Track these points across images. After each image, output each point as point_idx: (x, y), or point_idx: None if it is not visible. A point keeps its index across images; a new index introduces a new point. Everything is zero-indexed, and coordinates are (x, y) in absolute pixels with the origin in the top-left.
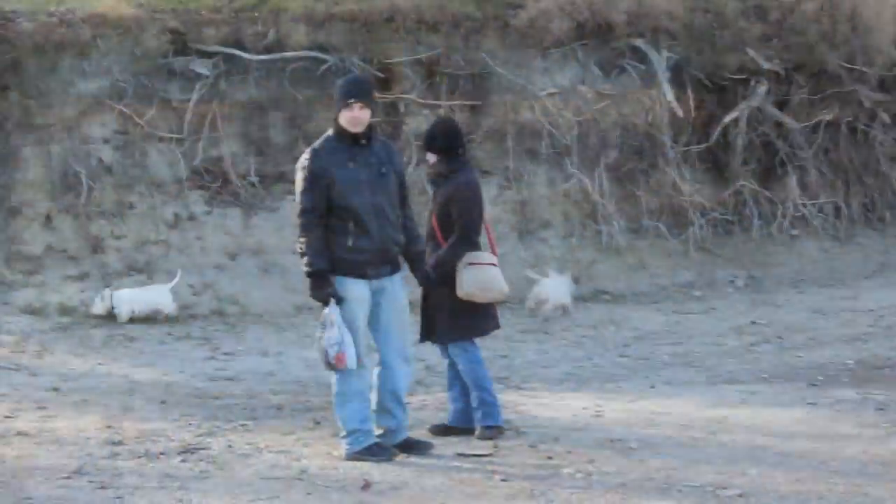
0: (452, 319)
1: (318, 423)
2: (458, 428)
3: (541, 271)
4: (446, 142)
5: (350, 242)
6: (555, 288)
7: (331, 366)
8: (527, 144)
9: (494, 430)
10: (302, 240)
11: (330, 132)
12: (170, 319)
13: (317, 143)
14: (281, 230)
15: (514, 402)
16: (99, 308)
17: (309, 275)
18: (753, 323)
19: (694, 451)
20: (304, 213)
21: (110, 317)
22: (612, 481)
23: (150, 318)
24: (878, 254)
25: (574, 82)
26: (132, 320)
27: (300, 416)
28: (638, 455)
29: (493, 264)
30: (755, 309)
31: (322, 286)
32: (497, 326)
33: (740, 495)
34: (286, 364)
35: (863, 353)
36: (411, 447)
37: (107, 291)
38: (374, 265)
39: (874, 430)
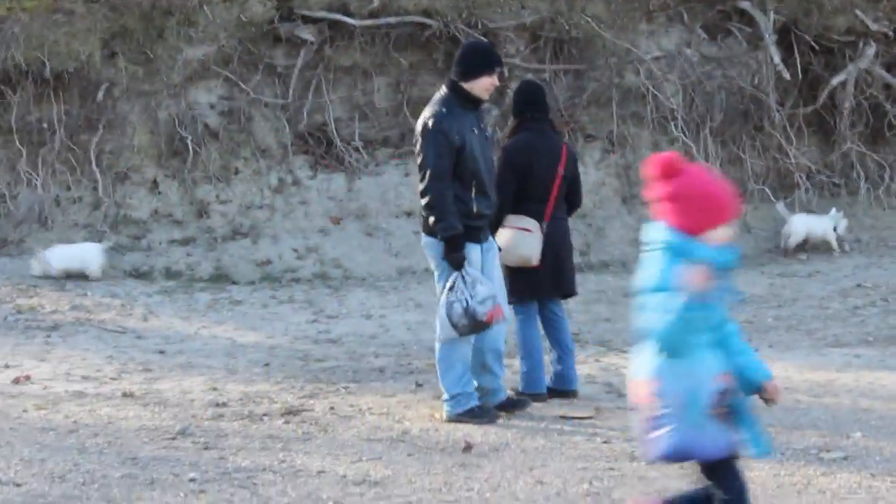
0: (507, 281)
1: (419, 385)
2: (556, 390)
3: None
4: (514, 105)
5: (474, 208)
6: (809, 224)
7: (478, 325)
8: (631, 108)
9: (535, 398)
10: (434, 203)
11: (445, 95)
12: (95, 279)
13: (441, 107)
14: (384, 194)
15: (616, 365)
16: (36, 270)
17: (449, 239)
18: (859, 286)
19: (798, 414)
20: (436, 176)
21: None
22: None
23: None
24: None
25: (679, 45)
26: (68, 276)
27: (402, 379)
28: None
29: (526, 229)
30: (861, 272)
31: (460, 248)
32: (560, 294)
33: (844, 458)
34: (388, 327)
35: None
36: (511, 406)
37: (41, 253)
38: (486, 229)
39: None
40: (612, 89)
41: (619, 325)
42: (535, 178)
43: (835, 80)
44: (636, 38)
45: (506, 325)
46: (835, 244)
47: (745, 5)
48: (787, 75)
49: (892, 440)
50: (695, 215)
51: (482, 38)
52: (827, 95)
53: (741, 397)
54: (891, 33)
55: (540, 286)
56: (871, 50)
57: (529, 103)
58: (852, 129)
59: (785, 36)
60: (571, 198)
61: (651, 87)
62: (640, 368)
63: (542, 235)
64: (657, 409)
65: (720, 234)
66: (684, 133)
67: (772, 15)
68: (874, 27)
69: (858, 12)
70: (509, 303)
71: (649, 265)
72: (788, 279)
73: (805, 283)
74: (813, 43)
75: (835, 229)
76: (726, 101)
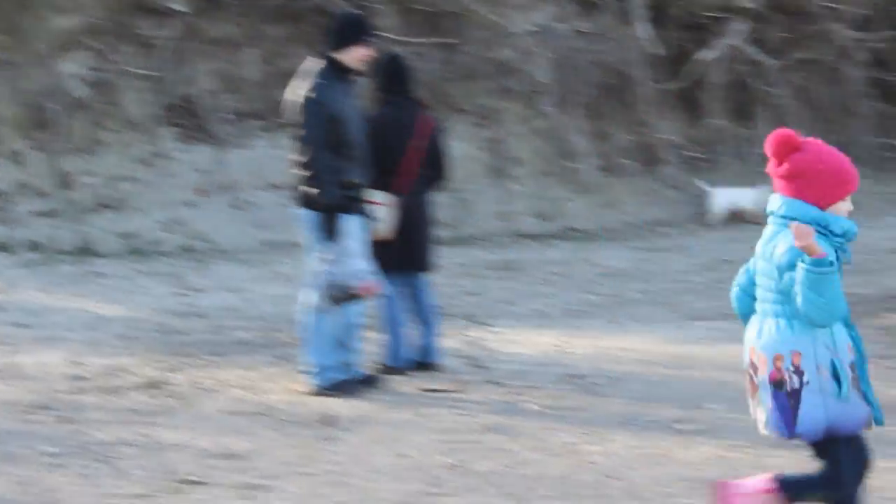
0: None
1: (283, 359)
2: (420, 363)
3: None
4: (376, 79)
5: (352, 178)
6: (732, 196)
7: (344, 298)
8: (501, 83)
9: (397, 371)
10: (317, 173)
11: (323, 67)
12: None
13: (320, 79)
14: (252, 167)
15: (481, 339)
16: None
17: (328, 208)
18: (724, 261)
19: (657, 386)
20: (318, 147)
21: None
22: (576, 417)
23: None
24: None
25: (551, 20)
26: None
27: (266, 352)
28: (602, 391)
29: (379, 203)
30: (724, 246)
31: (337, 220)
32: (415, 268)
33: (702, 430)
34: (253, 300)
35: None
36: (371, 381)
37: None
38: (362, 201)
39: None
40: (483, 63)
41: (485, 299)
42: (386, 152)
43: (703, 56)
44: (508, 13)
45: (374, 300)
46: (761, 216)
47: None
48: (656, 51)
49: (748, 412)
50: (821, 189)
51: (351, 9)
52: (695, 71)
53: (865, 366)
54: (761, 10)
55: (394, 260)
56: (740, 26)
57: (389, 77)
58: (719, 104)
59: (656, 11)
60: (434, 172)
61: (521, 62)
62: (771, 341)
63: (397, 209)
64: (798, 384)
65: (844, 207)
66: (553, 108)
67: None
68: (744, 3)
69: None
70: (375, 275)
71: (785, 238)
72: (654, 253)
73: (670, 257)
74: (683, 19)
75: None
76: (596, 76)
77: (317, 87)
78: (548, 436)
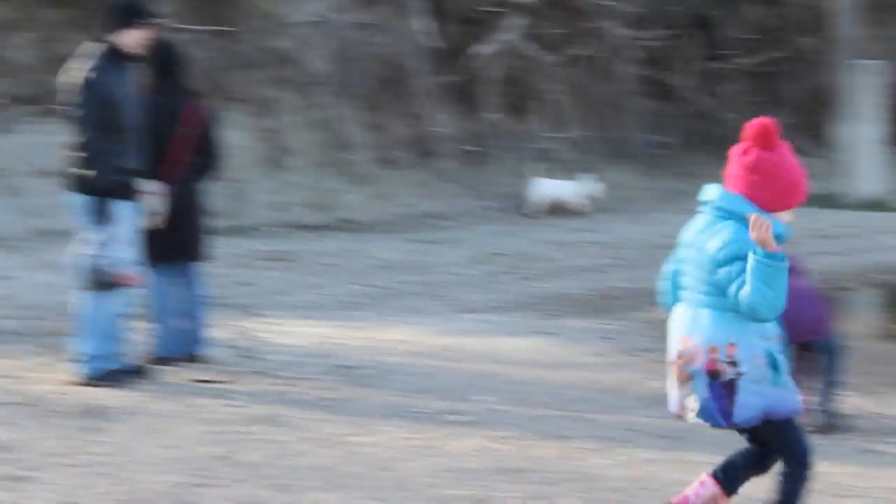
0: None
1: (51, 348)
2: (189, 354)
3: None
4: (149, 65)
5: (126, 163)
6: (555, 188)
7: (105, 285)
8: (278, 73)
9: (167, 361)
10: (93, 156)
11: (102, 50)
12: None
13: (99, 62)
14: (21, 153)
15: (253, 329)
16: None
17: (101, 191)
18: (496, 254)
19: (428, 378)
20: (95, 131)
21: None
22: (346, 408)
23: None
24: (620, 188)
25: (328, 11)
26: None
27: (32, 341)
28: (373, 382)
29: (148, 191)
30: (497, 239)
31: (109, 204)
32: (186, 258)
33: (471, 421)
34: (21, 288)
35: (599, 284)
36: (138, 371)
37: None
38: (136, 187)
39: (602, 358)
40: (261, 53)
41: (259, 290)
42: (154, 140)
43: (477, 51)
44: (287, 3)
45: (137, 289)
46: (583, 207)
47: None
48: (434, 44)
49: (517, 403)
50: (775, 192)
51: None
52: (472, 65)
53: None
54: (537, 6)
55: (165, 249)
56: (516, 22)
57: (160, 63)
58: (495, 99)
59: (434, 5)
60: (206, 161)
61: (299, 52)
62: (706, 333)
63: (167, 198)
64: (732, 374)
65: (786, 217)
66: (330, 99)
67: None
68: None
69: None
70: (140, 265)
71: (721, 231)
72: (428, 246)
73: (444, 250)
74: (461, 13)
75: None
76: (373, 68)
77: (93, 70)
78: (318, 427)
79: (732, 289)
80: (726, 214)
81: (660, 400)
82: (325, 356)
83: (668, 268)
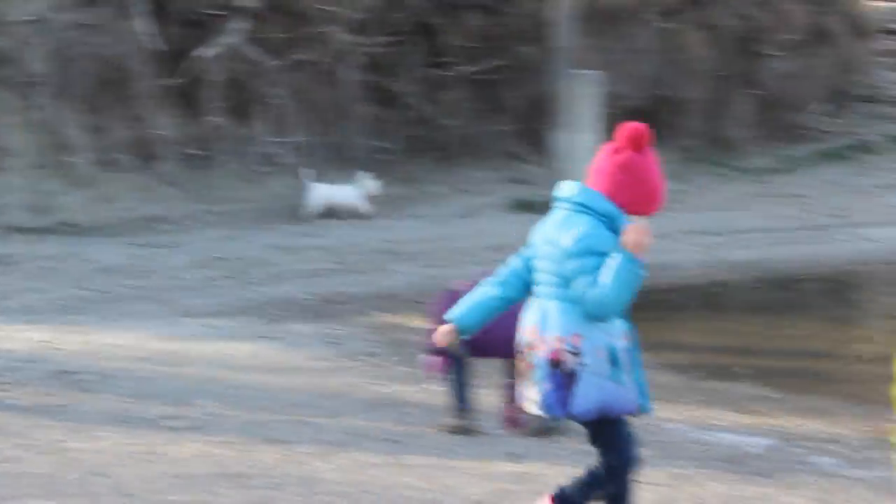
0: None
1: None
2: None
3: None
4: None
5: None
6: (330, 192)
7: None
8: None
9: None
10: None
11: None
12: None
13: None
14: None
15: None
16: None
17: None
18: (218, 258)
19: (148, 383)
20: None
21: None
22: (64, 413)
23: None
24: None
25: (48, 10)
26: None
27: None
28: (91, 387)
29: None
30: (221, 244)
31: None
32: None
33: (190, 427)
34: None
35: (321, 289)
36: None
37: None
38: None
39: (325, 363)
40: None
41: None
42: None
43: (200, 53)
44: (4, 1)
45: None
46: (363, 209)
47: None
48: (156, 46)
49: (238, 408)
50: (638, 196)
51: None
52: (194, 68)
53: (637, 356)
54: (259, 10)
55: None
56: (240, 25)
57: None
58: (217, 102)
59: (157, 6)
60: None
61: (16, 52)
62: (553, 323)
63: None
64: (575, 366)
65: (640, 222)
66: (49, 99)
67: None
68: (245, 2)
69: None
70: None
71: (577, 226)
72: (150, 250)
73: (166, 254)
74: (184, 14)
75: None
76: (94, 68)
77: None
78: (34, 433)
79: (581, 282)
80: (584, 210)
81: (382, 404)
82: (43, 361)
83: (513, 261)
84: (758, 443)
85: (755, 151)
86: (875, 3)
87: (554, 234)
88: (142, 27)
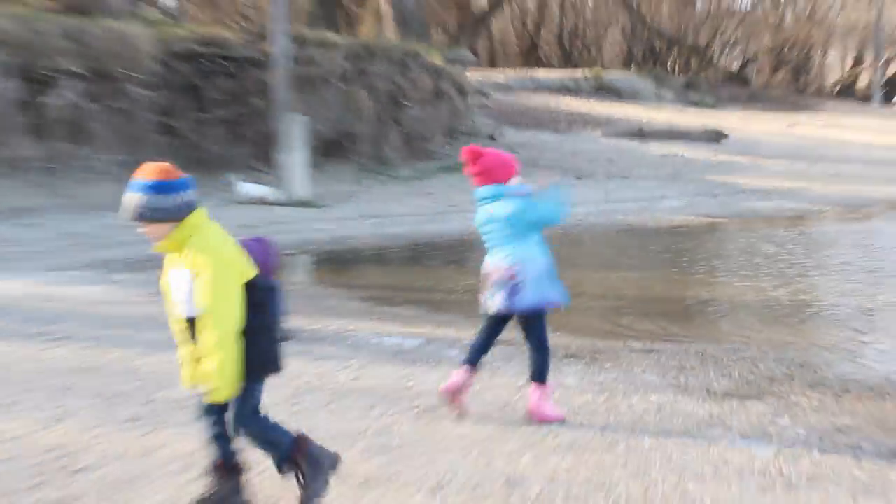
0: None
1: None
2: None
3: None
4: None
5: None
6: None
7: None
8: None
9: None
10: None
11: None
12: None
13: None
14: None
15: None
16: None
17: None
18: (69, 233)
19: (29, 313)
20: None
21: None
22: None
23: None
24: None
25: None
26: None
27: None
28: None
29: None
30: (69, 224)
31: None
32: None
33: (58, 339)
34: None
35: (135, 253)
36: None
37: None
38: None
39: (138, 298)
40: None
41: None
42: None
43: (51, 101)
44: None
45: None
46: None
47: None
48: (18, 97)
49: (88, 326)
50: (501, 174)
51: None
52: (46, 111)
53: (553, 267)
54: (89, 74)
55: None
56: (73, 83)
57: None
58: (61, 132)
59: (22, 71)
60: None
61: None
62: (498, 261)
63: None
64: (520, 278)
65: (515, 181)
66: None
67: None
68: (78, 69)
69: None
70: None
71: (506, 204)
72: (23, 227)
73: (33, 230)
74: (37, 75)
75: None
76: None
77: None
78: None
79: (525, 216)
80: (497, 197)
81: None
82: None
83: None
84: (412, 343)
85: (402, 166)
86: (471, 74)
87: (492, 216)
88: (7, 84)
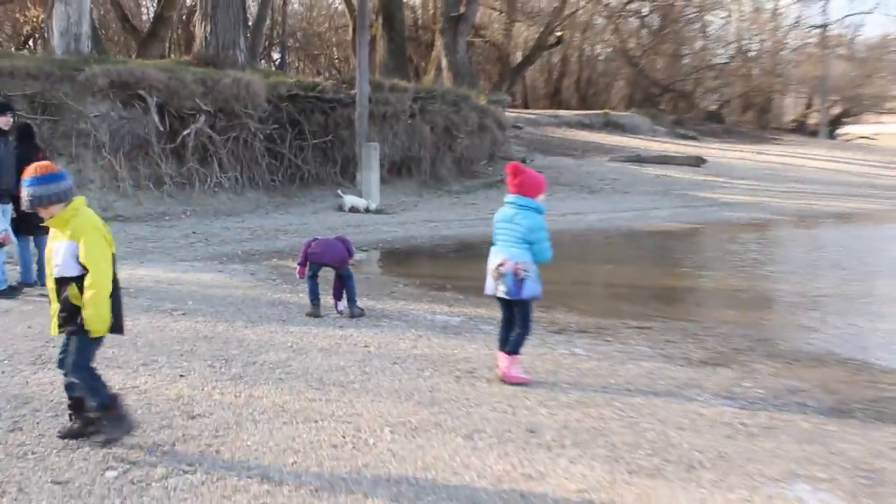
0: None
1: None
2: None
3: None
4: None
5: (2, 185)
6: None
7: None
8: None
9: None
10: None
11: None
12: None
13: None
14: None
15: None
16: None
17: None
18: (194, 232)
19: (162, 293)
20: None
21: None
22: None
23: None
24: None
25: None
26: None
27: None
28: (135, 295)
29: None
30: (195, 226)
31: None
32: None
33: (185, 314)
34: None
35: (246, 248)
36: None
37: None
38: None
39: (248, 283)
40: None
41: None
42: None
43: (186, 130)
44: None
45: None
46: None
47: None
48: (161, 127)
49: (206, 304)
50: (534, 190)
51: None
52: (182, 139)
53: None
54: (214, 110)
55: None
56: (203, 118)
57: (18, 132)
58: (193, 156)
59: (159, 109)
60: None
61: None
62: (513, 257)
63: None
64: (524, 275)
65: (542, 198)
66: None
67: None
68: (207, 106)
69: None
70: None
71: (528, 216)
72: (160, 228)
73: (167, 230)
74: (178, 111)
75: None
76: (130, 139)
77: None
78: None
79: (537, 234)
80: (525, 207)
81: (278, 302)
82: None
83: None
84: (456, 320)
85: (453, 182)
86: (508, 112)
87: (512, 219)
88: (156, 118)
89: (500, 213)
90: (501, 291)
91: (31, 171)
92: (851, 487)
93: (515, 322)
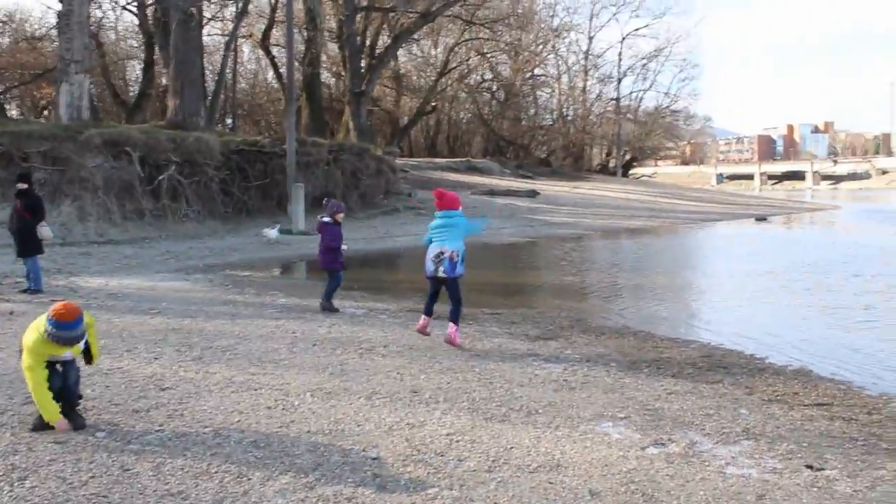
0: None
1: None
2: None
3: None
4: None
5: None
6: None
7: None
8: None
9: None
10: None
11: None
12: None
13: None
14: None
15: None
16: None
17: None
18: (168, 251)
19: (139, 297)
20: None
21: None
22: (111, 309)
23: None
24: None
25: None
26: None
27: None
28: (119, 300)
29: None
30: (170, 246)
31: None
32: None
33: (160, 312)
34: None
35: (208, 261)
36: None
37: None
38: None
39: (207, 287)
40: None
41: None
42: (40, 211)
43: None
44: None
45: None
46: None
47: None
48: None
49: (177, 305)
50: (455, 204)
51: None
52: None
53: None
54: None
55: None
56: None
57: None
58: (148, 200)
59: None
60: (40, 215)
61: None
62: (450, 247)
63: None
64: (458, 259)
65: (460, 209)
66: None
67: None
68: None
69: None
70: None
71: (461, 219)
72: (142, 249)
73: (147, 250)
74: None
75: None
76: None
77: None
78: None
79: (466, 229)
80: (450, 216)
81: (244, 304)
82: (99, 289)
83: (429, 233)
84: (360, 311)
85: (359, 211)
86: (398, 160)
87: (446, 223)
88: (137, 167)
89: (434, 223)
90: (441, 272)
91: (66, 315)
92: (641, 422)
93: (451, 299)
